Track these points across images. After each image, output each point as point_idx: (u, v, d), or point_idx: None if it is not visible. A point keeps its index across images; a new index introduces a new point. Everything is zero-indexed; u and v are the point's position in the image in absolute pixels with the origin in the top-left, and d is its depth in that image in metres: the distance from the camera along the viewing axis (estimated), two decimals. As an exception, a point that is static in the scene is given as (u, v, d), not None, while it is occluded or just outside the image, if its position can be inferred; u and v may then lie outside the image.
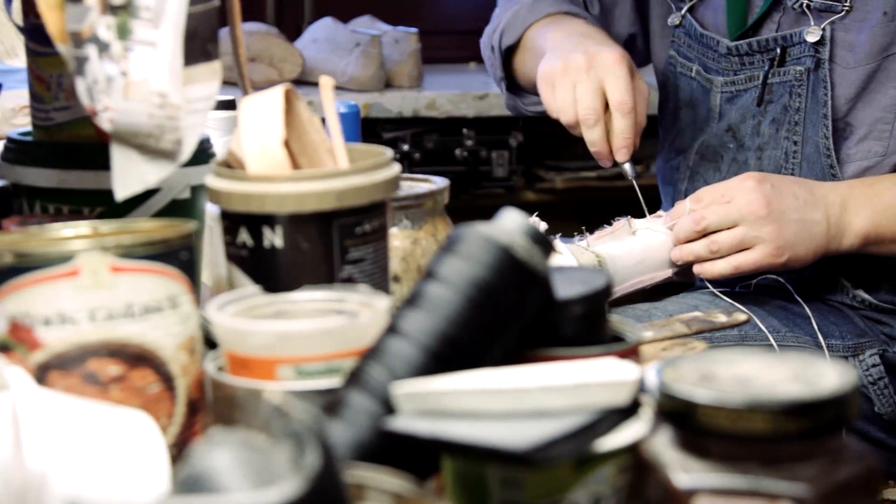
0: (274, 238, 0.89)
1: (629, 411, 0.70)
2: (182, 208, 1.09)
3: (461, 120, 2.82)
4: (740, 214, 1.48)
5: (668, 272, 1.57)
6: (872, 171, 1.57)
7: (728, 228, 1.49)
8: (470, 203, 2.94)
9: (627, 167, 1.57)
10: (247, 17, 2.88)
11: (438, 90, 2.78)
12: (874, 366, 1.60)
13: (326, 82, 0.98)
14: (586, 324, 0.82)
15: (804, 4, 1.57)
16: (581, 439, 0.66)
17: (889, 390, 1.61)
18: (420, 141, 2.85)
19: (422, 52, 2.87)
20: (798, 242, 1.50)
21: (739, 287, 1.67)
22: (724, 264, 1.51)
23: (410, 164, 2.84)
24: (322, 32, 2.78)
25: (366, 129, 2.82)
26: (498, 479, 0.67)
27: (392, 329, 0.76)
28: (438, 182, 1.14)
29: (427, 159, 2.85)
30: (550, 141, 3.01)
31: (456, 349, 0.74)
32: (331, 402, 0.75)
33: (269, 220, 0.89)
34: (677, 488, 0.64)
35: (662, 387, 0.65)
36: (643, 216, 1.61)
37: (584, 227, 1.61)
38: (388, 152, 0.94)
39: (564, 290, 0.82)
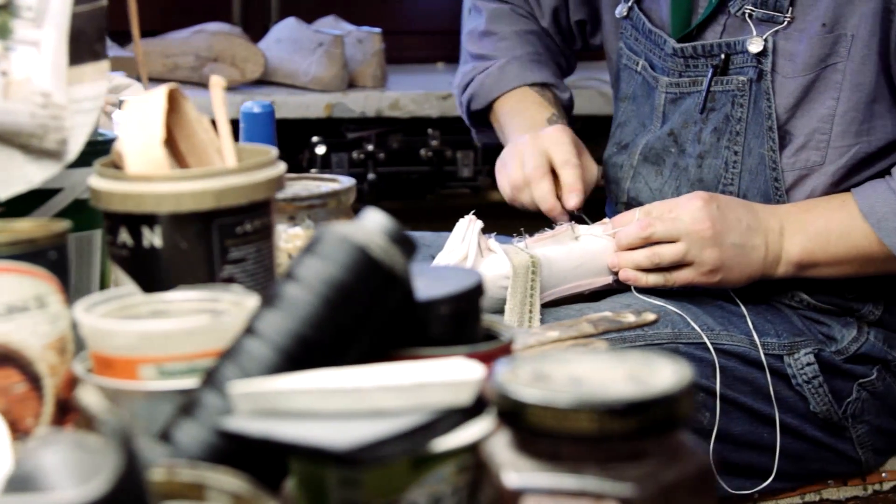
0: (153, 238, 0.89)
1: (474, 411, 0.69)
2: (86, 208, 1.08)
3: (426, 120, 2.82)
4: (686, 231, 1.51)
5: (608, 279, 1.57)
6: (810, 179, 1.57)
7: (671, 242, 1.52)
8: (435, 203, 2.94)
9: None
10: (213, 17, 2.90)
11: (402, 90, 2.78)
12: (808, 364, 1.60)
13: (216, 82, 0.98)
14: (455, 323, 0.82)
15: (746, 13, 1.57)
16: (413, 439, 0.65)
17: (823, 389, 1.61)
18: (385, 141, 2.85)
19: (389, 52, 2.87)
20: (734, 266, 1.54)
21: (676, 287, 1.67)
22: (657, 277, 1.55)
23: (375, 164, 2.84)
24: (286, 33, 2.78)
25: (329, 128, 2.83)
26: (336, 479, 0.67)
27: (249, 329, 0.76)
28: (344, 182, 1.14)
29: (392, 159, 2.86)
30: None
31: (310, 349, 0.74)
32: (186, 403, 0.75)
33: (148, 219, 0.89)
34: (506, 488, 0.64)
35: (497, 386, 0.65)
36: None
37: (522, 229, 1.61)
38: (273, 151, 0.94)
39: (434, 289, 0.82)
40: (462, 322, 0.83)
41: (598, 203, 1.79)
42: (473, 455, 0.68)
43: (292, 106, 2.68)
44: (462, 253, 1.50)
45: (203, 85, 2.71)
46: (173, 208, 0.88)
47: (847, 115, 1.54)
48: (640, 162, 1.70)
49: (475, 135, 1.97)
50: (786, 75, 1.55)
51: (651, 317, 1.15)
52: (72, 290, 0.87)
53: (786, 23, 1.55)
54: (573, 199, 1.59)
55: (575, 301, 1.58)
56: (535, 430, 0.64)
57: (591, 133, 2.24)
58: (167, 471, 0.67)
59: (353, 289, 0.75)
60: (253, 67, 2.68)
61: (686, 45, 1.63)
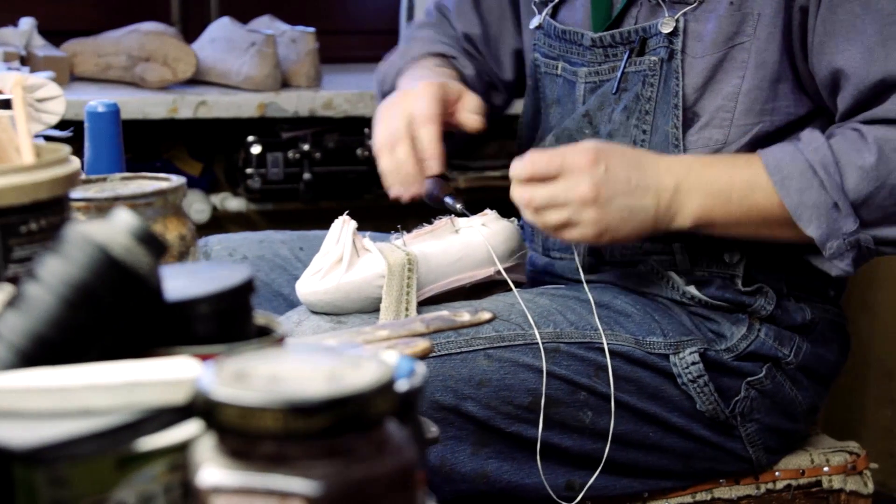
0: (-65, 237, 0.89)
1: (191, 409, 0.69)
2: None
3: (362, 119, 2.82)
4: (567, 198, 1.47)
5: (489, 270, 1.57)
6: None
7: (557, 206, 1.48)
8: (373, 203, 2.94)
9: (450, 201, 1.57)
10: (152, 16, 2.90)
11: (337, 90, 2.78)
12: (693, 363, 1.59)
13: (18, 81, 0.98)
14: (219, 321, 0.82)
15: None
16: (113, 438, 0.65)
17: (709, 388, 1.61)
18: (321, 140, 2.85)
19: (329, 52, 2.87)
20: (622, 227, 1.49)
21: (566, 286, 1.67)
22: (549, 230, 1.51)
23: (311, 164, 2.84)
24: (219, 32, 2.78)
25: (263, 128, 2.83)
26: (44, 479, 0.67)
27: (-11, 329, 0.76)
28: (174, 180, 1.14)
29: (328, 159, 2.85)
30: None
31: (48, 349, 0.74)
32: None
33: (-70, 219, 0.89)
34: (198, 487, 0.64)
35: (196, 385, 0.65)
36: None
37: (399, 226, 1.61)
38: (64, 150, 0.94)
39: (197, 287, 0.82)
40: (227, 320, 0.83)
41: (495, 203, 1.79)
42: (187, 454, 0.68)
43: (224, 105, 2.68)
44: (337, 254, 1.50)
45: (136, 85, 2.71)
46: (-47, 207, 0.88)
47: (751, 94, 1.54)
48: (551, 143, 1.70)
49: None
50: (694, 56, 1.56)
51: (486, 315, 1.15)
52: None
53: (696, 3, 1.55)
54: (432, 166, 1.54)
55: (455, 297, 1.58)
56: (226, 428, 0.64)
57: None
58: None
59: (93, 289, 0.75)
60: (185, 67, 2.68)
61: (604, 34, 1.63)
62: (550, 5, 1.72)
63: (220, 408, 0.63)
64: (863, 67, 1.47)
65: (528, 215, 1.50)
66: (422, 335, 1.12)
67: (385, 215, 2.47)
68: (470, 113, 1.59)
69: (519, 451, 1.54)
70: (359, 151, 2.87)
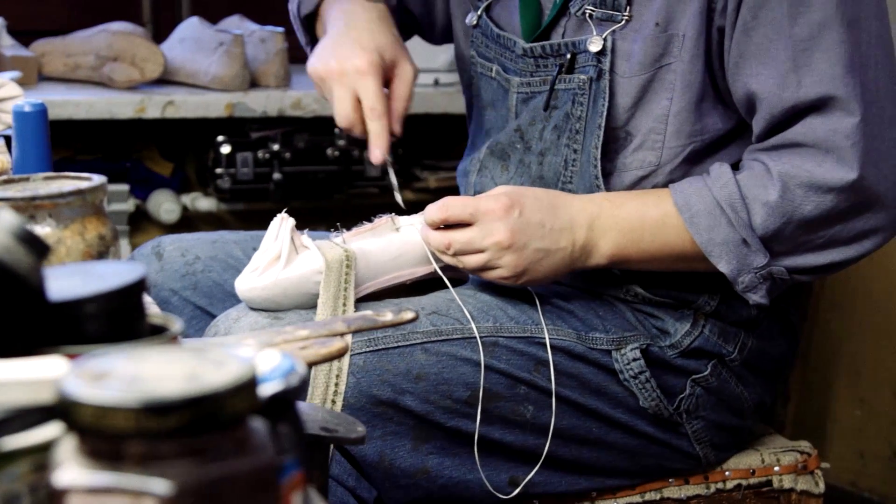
0: None
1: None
2: None
3: (332, 119, 2.80)
4: (483, 244, 1.50)
5: (430, 268, 1.57)
6: (647, 180, 1.57)
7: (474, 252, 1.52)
8: (344, 203, 2.95)
9: (390, 159, 1.62)
10: (124, 16, 2.90)
11: (306, 90, 2.77)
12: (634, 360, 1.60)
13: (-75, 81, 0.98)
14: (110, 320, 0.82)
15: (587, 13, 1.57)
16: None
17: (651, 384, 1.61)
18: (290, 140, 2.85)
19: (298, 51, 2.85)
20: (538, 268, 1.53)
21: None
22: (469, 271, 1.55)
23: (281, 164, 2.84)
24: (188, 32, 2.78)
25: (232, 128, 2.83)
26: None
27: None
28: (94, 180, 1.14)
29: (298, 159, 2.86)
30: (428, 140, 3.01)
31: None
32: None
33: None
34: (54, 486, 0.64)
35: (56, 384, 0.65)
36: (406, 212, 1.62)
37: (339, 224, 1.61)
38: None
39: (88, 286, 0.82)
40: (116, 319, 0.82)
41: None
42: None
43: (192, 105, 2.68)
44: (275, 251, 1.50)
45: (104, 85, 2.71)
46: None
47: (680, 115, 1.54)
48: (486, 155, 1.71)
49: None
50: (623, 75, 1.55)
51: (409, 315, 1.14)
52: None
53: (623, 22, 1.55)
54: (375, 156, 1.58)
55: (396, 294, 1.58)
56: (83, 427, 0.64)
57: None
58: None
59: (-30, 287, 0.75)
60: (153, 67, 2.68)
61: (535, 45, 1.63)
62: (485, 2, 1.72)
63: (76, 407, 0.63)
64: (775, 93, 1.47)
65: (446, 258, 1.54)
66: (342, 334, 1.12)
67: (355, 216, 2.47)
68: (374, 147, 1.60)
69: (460, 446, 1.55)
70: (329, 151, 2.87)
